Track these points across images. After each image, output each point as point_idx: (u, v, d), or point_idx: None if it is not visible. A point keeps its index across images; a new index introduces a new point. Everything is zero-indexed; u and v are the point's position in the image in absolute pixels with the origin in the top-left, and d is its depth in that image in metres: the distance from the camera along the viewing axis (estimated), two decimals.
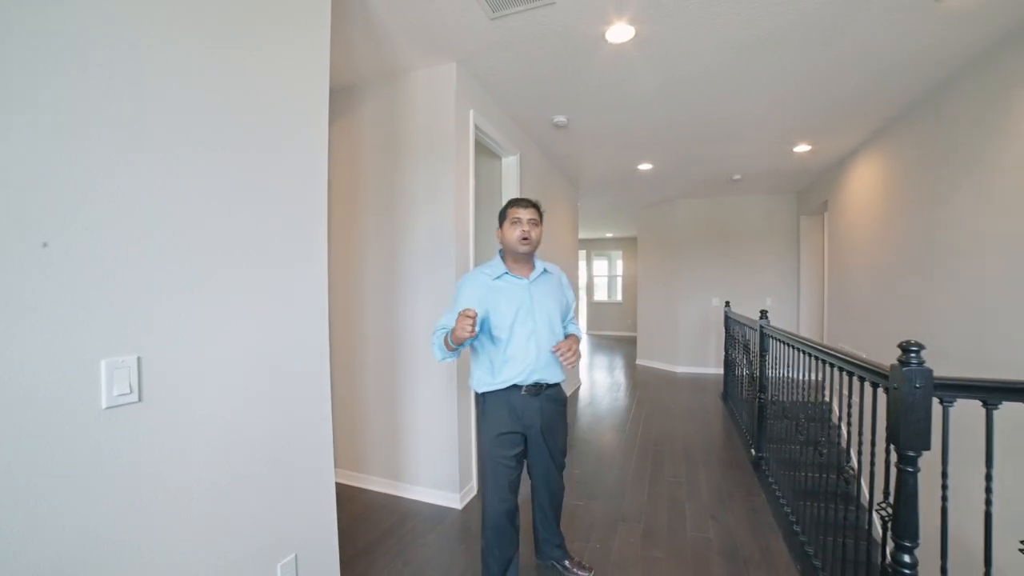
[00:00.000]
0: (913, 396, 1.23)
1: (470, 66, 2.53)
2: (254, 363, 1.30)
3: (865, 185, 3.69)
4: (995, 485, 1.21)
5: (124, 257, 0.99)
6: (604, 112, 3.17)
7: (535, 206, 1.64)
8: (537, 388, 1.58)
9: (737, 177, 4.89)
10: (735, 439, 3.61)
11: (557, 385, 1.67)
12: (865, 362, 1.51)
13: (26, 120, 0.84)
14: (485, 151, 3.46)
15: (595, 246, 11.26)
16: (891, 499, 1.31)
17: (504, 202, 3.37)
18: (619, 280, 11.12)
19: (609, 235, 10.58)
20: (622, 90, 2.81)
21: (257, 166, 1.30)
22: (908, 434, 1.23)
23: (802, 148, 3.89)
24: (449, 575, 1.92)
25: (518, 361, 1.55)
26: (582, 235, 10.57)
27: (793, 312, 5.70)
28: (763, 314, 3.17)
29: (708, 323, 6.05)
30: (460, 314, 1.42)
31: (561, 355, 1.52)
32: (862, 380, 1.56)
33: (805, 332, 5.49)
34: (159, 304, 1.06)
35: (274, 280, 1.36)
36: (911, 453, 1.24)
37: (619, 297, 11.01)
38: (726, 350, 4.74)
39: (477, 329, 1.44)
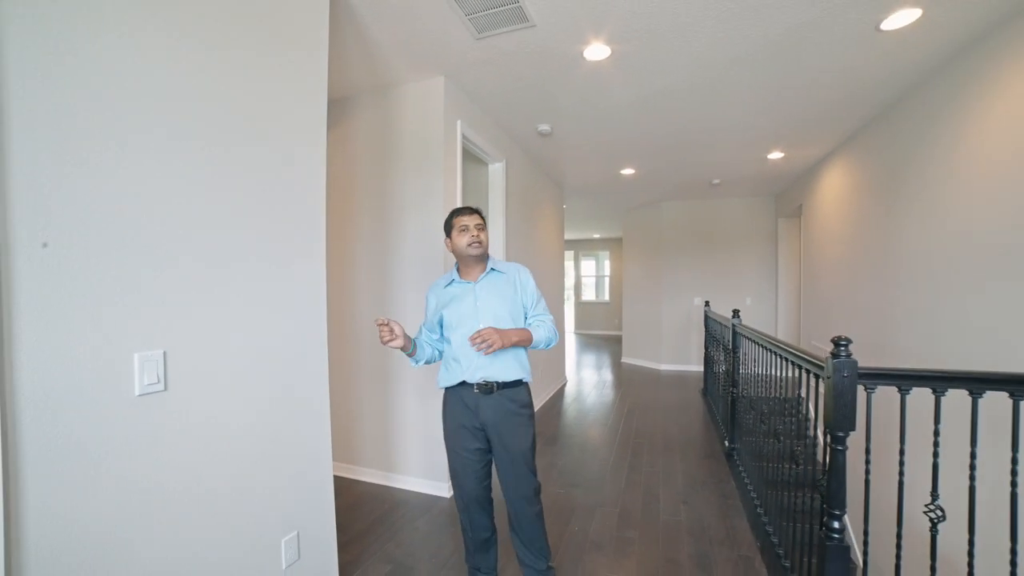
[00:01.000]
0: (842, 384, 1.41)
1: (458, 80, 2.68)
2: (262, 357, 1.45)
3: (834, 191, 3.91)
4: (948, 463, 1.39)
5: (151, 261, 1.14)
6: (586, 122, 3.35)
7: (478, 212, 1.73)
8: (488, 386, 1.61)
9: (717, 181, 5.10)
10: (711, 432, 3.81)
11: (516, 386, 1.65)
12: (809, 356, 1.70)
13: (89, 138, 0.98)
14: (473, 158, 3.62)
15: (583, 247, 11.46)
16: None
17: (490, 208, 3.56)
18: (607, 280, 11.33)
19: (596, 236, 10.78)
20: (602, 102, 2.98)
21: (264, 177, 1.45)
22: (838, 417, 1.41)
23: (776, 155, 4.10)
24: (438, 556, 2.08)
25: (463, 359, 1.63)
26: (570, 236, 10.76)
27: (772, 311, 5.93)
28: (735, 313, 3.36)
29: (691, 322, 6.27)
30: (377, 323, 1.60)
31: (472, 343, 1.51)
32: (808, 372, 1.74)
33: (783, 331, 5.73)
34: (181, 304, 1.21)
35: (279, 282, 1.51)
36: (840, 433, 1.42)
37: (607, 297, 11.22)
38: (706, 348, 4.95)
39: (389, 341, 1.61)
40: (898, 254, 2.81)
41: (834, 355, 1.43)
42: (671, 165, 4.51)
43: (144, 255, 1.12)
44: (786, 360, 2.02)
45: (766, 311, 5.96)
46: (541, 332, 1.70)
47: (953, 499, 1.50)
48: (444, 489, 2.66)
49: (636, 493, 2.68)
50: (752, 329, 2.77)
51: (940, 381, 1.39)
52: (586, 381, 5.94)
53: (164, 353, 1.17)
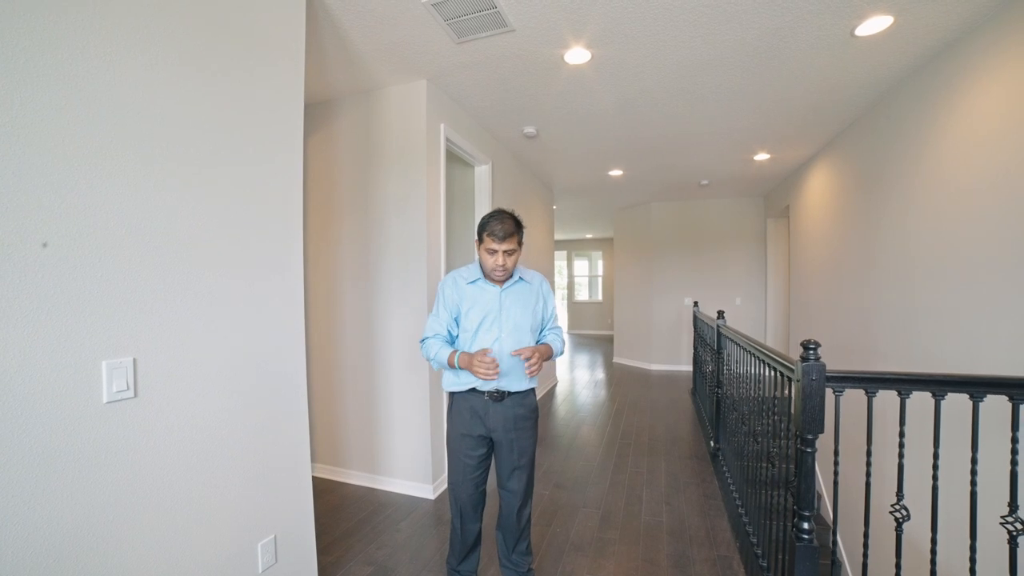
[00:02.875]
0: (810, 387, 1.43)
1: (440, 83, 2.69)
2: (236, 364, 1.45)
3: (819, 192, 3.95)
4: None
5: (121, 268, 1.14)
6: (570, 124, 3.36)
7: (514, 231, 1.56)
8: (500, 394, 1.60)
9: (705, 182, 5.13)
10: (698, 432, 3.83)
11: (525, 393, 1.66)
12: (782, 358, 1.72)
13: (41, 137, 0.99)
14: (459, 160, 3.63)
15: (576, 247, 11.49)
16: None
17: (476, 210, 3.57)
18: (599, 280, 11.37)
19: (589, 236, 10.81)
20: (585, 105, 3.00)
21: (239, 182, 1.45)
22: (806, 419, 1.43)
23: (762, 156, 4.13)
24: (419, 557, 2.09)
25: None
26: (563, 236, 10.79)
27: (761, 312, 5.98)
28: (720, 314, 3.39)
29: (681, 322, 6.30)
30: (480, 359, 1.47)
31: (525, 359, 1.51)
32: (782, 375, 1.76)
33: (772, 331, 5.77)
34: (153, 311, 1.22)
35: (255, 287, 1.51)
36: (809, 436, 1.44)
37: (599, 297, 11.26)
38: (695, 348, 4.98)
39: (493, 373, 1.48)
40: (878, 256, 2.84)
41: (803, 359, 1.45)
42: (658, 166, 4.53)
43: (113, 261, 1.13)
44: (762, 362, 2.04)
45: (756, 311, 6.01)
46: (557, 346, 1.75)
47: (923, 497, 1.52)
48: (428, 491, 2.67)
49: (619, 494, 2.70)
50: (734, 330, 2.80)
51: (904, 384, 1.42)
52: (576, 381, 5.96)
53: (134, 360, 1.18)
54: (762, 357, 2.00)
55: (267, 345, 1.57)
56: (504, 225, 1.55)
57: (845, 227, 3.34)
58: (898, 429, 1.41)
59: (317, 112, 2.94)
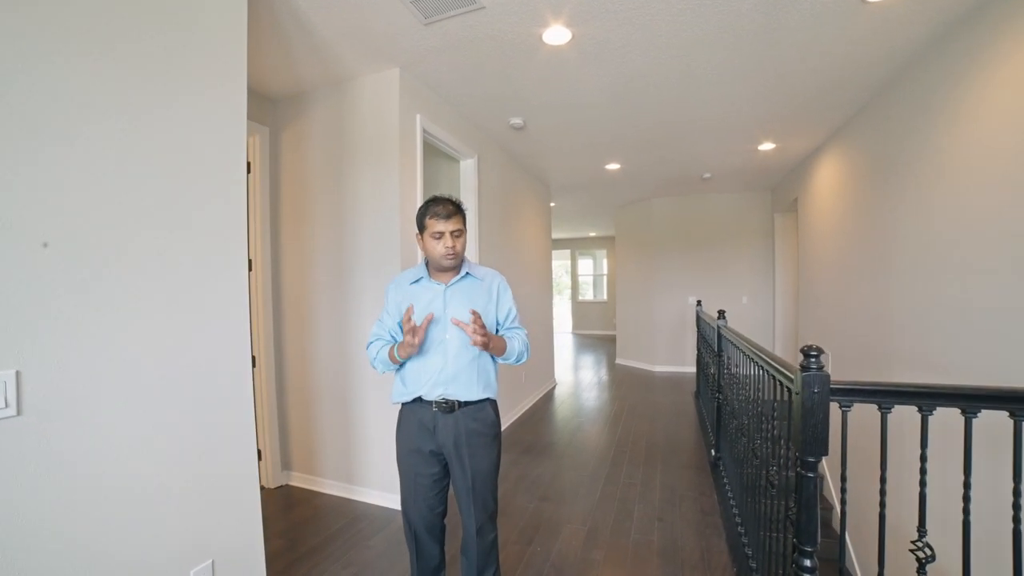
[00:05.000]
0: (812, 401, 1.22)
1: (415, 71, 2.52)
2: (161, 376, 1.30)
3: (829, 184, 3.71)
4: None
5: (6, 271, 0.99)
6: (557, 113, 3.17)
7: (456, 209, 1.46)
8: (448, 405, 1.44)
9: (707, 176, 4.90)
10: (699, 440, 3.62)
11: (479, 404, 1.49)
12: (781, 365, 1.51)
13: None
14: (443, 155, 3.46)
15: (579, 245, 11.28)
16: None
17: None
18: (604, 279, 11.14)
19: (592, 234, 10.59)
20: (571, 92, 2.80)
21: (166, 172, 1.29)
22: (807, 439, 1.23)
23: (767, 146, 3.90)
24: None
25: (422, 372, 1.45)
26: (566, 235, 10.58)
27: (769, 311, 5.72)
28: (720, 314, 3.18)
29: (685, 322, 6.07)
30: (405, 328, 1.36)
31: (465, 326, 1.37)
32: (780, 384, 1.56)
33: (781, 331, 5.52)
34: (42, 316, 1.06)
35: (181, 290, 1.35)
36: (810, 458, 1.24)
37: (604, 296, 11.03)
38: (698, 349, 4.76)
39: (417, 340, 1.37)
40: (895, 251, 2.61)
41: (803, 368, 1.25)
42: (656, 159, 4.32)
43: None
44: (762, 368, 1.84)
45: (763, 310, 5.75)
46: (515, 344, 1.54)
47: (951, 533, 1.31)
48: None
49: (609, 508, 2.51)
50: (734, 331, 2.59)
51: (927, 398, 1.21)
52: (576, 383, 5.77)
53: (17, 373, 1.02)
54: (760, 363, 1.80)
55: (200, 353, 1.41)
56: (445, 206, 1.44)
57: (857, 220, 3.10)
58: (919, 452, 1.20)
59: (289, 106, 2.79)
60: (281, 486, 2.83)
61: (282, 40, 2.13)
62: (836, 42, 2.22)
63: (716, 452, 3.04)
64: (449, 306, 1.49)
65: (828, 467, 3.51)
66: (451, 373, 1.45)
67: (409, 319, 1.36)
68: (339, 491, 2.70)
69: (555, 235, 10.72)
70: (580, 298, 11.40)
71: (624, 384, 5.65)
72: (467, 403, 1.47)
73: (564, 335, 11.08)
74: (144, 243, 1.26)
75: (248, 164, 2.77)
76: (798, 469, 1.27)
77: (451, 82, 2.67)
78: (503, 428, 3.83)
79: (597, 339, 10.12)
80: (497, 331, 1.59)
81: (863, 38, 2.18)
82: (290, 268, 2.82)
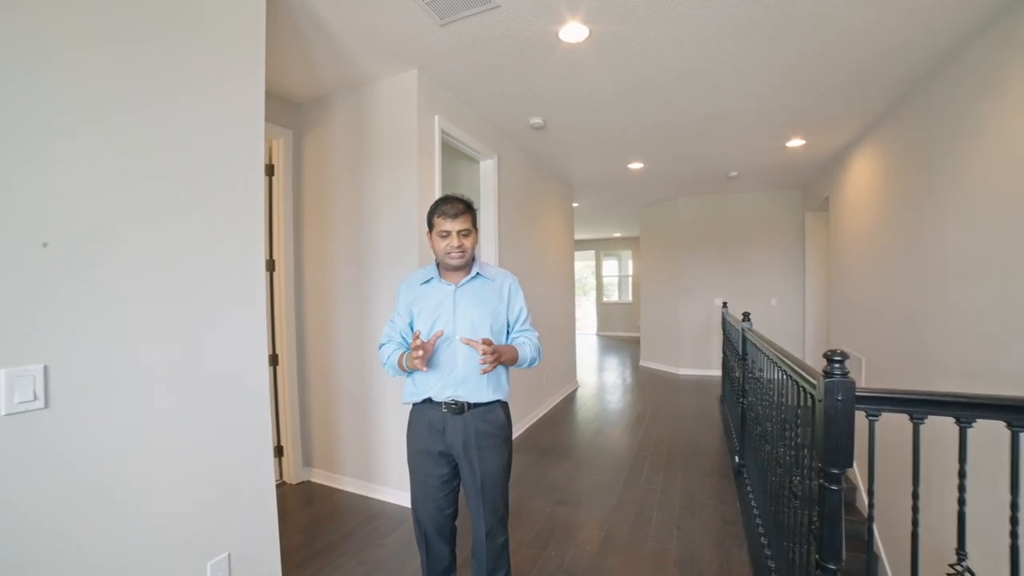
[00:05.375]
0: (835, 409, 1.16)
1: (432, 72, 2.53)
2: (180, 371, 1.35)
3: (863, 181, 3.53)
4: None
5: (30, 270, 1.04)
6: (577, 112, 3.13)
7: (466, 210, 1.45)
8: (458, 406, 1.43)
9: (734, 174, 4.75)
10: (723, 446, 3.51)
11: (489, 406, 1.48)
12: (805, 371, 1.44)
13: None
14: (463, 155, 3.47)
15: (604, 246, 11.14)
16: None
17: (482, 207, 3.40)
18: (629, 280, 10.96)
19: (617, 234, 10.44)
20: (590, 91, 2.76)
21: (187, 178, 1.34)
22: (829, 449, 1.17)
23: (796, 143, 3.75)
24: None
25: (431, 373, 1.44)
26: (590, 235, 10.48)
27: (799, 313, 5.50)
28: (745, 316, 3.07)
29: (711, 324, 5.90)
30: (412, 347, 1.35)
31: (481, 354, 1.33)
32: (803, 390, 1.49)
33: (811, 335, 5.29)
34: (69, 314, 1.11)
35: (203, 292, 1.40)
36: (833, 470, 1.17)
37: (629, 297, 10.86)
38: (724, 352, 4.61)
39: (423, 361, 1.36)
40: (935, 250, 2.45)
41: (826, 373, 1.19)
42: (680, 157, 4.21)
43: (22, 262, 1.03)
44: (783, 372, 1.76)
45: (793, 313, 5.53)
46: (527, 351, 1.52)
47: (998, 557, 1.21)
48: None
49: (626, 514, 2.45)
50: (758, 334, 2.49)
51: (966, 408, 1.12)
52: (598, 386, 5.69)
53: (45, 368, 1.08)
54: (783, 367, 1.72)
55: (220, 351, 1.46)
56: (454, 205, 1.44)
57: (895, 219, 2.94)
58: (957, 467, 1.11)
59: (312, 109, 2.86)
60: (303, 482, 2.89)
61: (301, 42, 2.18)
62: (872, 26, 2.08)
63: (740, 459, 2.93)
64: (459, 306, 1.48)
65: (862, 478, 3.34)
66: (461, 376, 1.44)
67: (417, 338, 1.35)
68: (357, 488, 2.74)
69: (579, 236, 10.62)
70: (605, 299, 11.25)
71: (647, 387, 5.54)
72: (477, 405, 1.46)
73: (589, 336, 10.97)
74: (161, 245, 1.30)
75: (272, 167, 2.86)
76: (820, 480, 1.20)
77: (469, 82, 2.67)
78: (523, 430, 3.83)
79: (621, 341, 9.97)
80: (508, 332, 1.57)
81: (903, 19, 2.02)
82: (312, 269, 2.88)
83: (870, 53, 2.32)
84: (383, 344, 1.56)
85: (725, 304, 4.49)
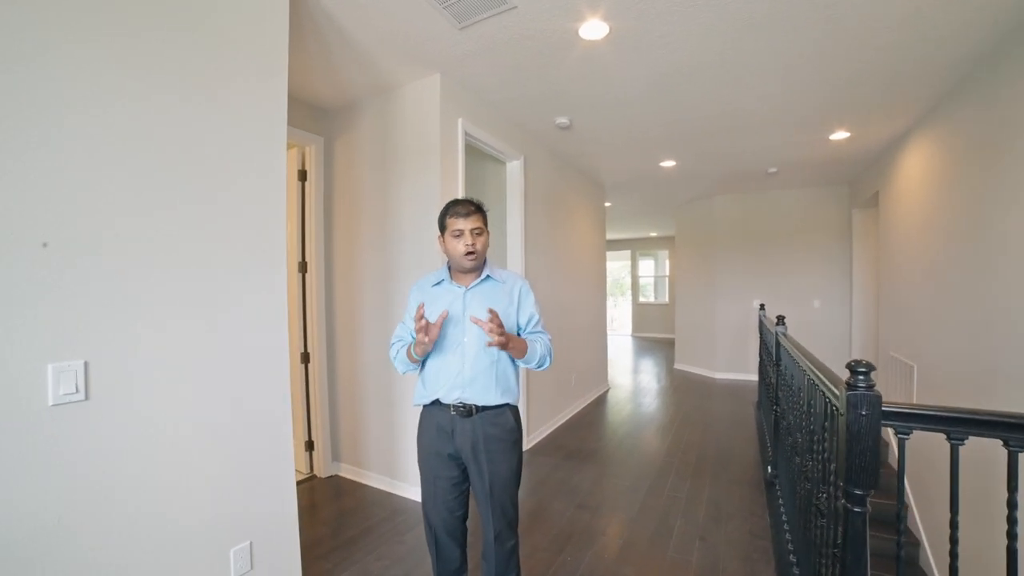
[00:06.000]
0: (858, 425, 1.08)
1: (454, 76, 2.56)
2: (208, 368, 1.43)
3: (917, 174, 3.27)
4: None
5: (74, 270, 1.14)
6: (602, 110, 3.07)
7: (477, 210, 1.48)
8: (466, 409, 1.44)
9: (773, 170, 4.52)
10: (755, 455, 3.35)
11: (498, 409, 1.48)
12: (828, 378, 1.35)
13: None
14: (489, 157, 3.48)
15: (640, 246, 10.90)
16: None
17: (508, 208, 3.40)
18: (665, 281, 10.67)
19: (653, 234, 10.18)
20: (612, 87, 2.71)
21: (215, 187, 1.42)
22: (851, 467, 1.09)
23: (840, 135, 3.52)
24: (412, 574, 1.97)
25: (440, 375, 1.46)
26: (625, 235, 10.28)
27: (845, 316, 5.17)
28: (780, 320, 2.92)
29: (748, 327, 5.65)
30: (417, 327, 1.37)
31: (483, 324, 1.34)
32: (827, 401, 1.40)
33: (859, 340, 4.96)
34: (107, 314, 1.20)
35: (228, 293, 1.48)
36: (857, 491, 1.09)
37: (665, 298, 10.57)
38: (760, 356, 4.41)
39: (430, 338, 1.38)
40: (1002, 249, 2.22)
41: (849, 386, 1.11)
42: (713, 154, 4.05)
43: (66, 264, 1.13)
44: (808, 378, 1.66)
45: (838, 316, 5.21)
46: (538, 347, 1.51)
47: None
48: None
49: (648, 521, 2.39)
50: (791, 338, 2.36)
51: (1014, 430, 1.01)
52: (630, 388, 5.58)
53: (85, 363, 1.17)
54: (811, 375, 1.62)
55: (243, 349, 1.53)
56: (465, 205, 1.47)
57: (954, 216, 2.69)
58: (1006, 496, 1.01)
59: (341, 116, 2.95)
60: (331, 476, 3.00)
61: (326, 50, 2.24)
62: (920, 5, 1.92)
63: (773, 469, 2.79)
64: (468, 309, 1.48)
65: (914, 496, 3.10)
66: (469, 377, 1.44)
67: (421, 316, 1.37)
68: (382, 484, 2.81)
69: (615, 235, 10.45)
70: (640, 300, 11.01)
71: (680, 390, 5.38)
72: (485, 408, 1.46)
73: (624, 337, 10.78)
74: (187, 252, 1.38)
75: (305, 172, 2.98)
76: (842, 501, 1.13)
77: (492, 85, 2.68)
78: (548, 432, 3.81)
79: (656, 342, 9.73)
80: (519, 334, 1.56)
81: None
82: (341, 271, 2.98)
83: (917, 29, 2.09)
84: (392, 343, 1.59)
85: (762, 306, 4.29)
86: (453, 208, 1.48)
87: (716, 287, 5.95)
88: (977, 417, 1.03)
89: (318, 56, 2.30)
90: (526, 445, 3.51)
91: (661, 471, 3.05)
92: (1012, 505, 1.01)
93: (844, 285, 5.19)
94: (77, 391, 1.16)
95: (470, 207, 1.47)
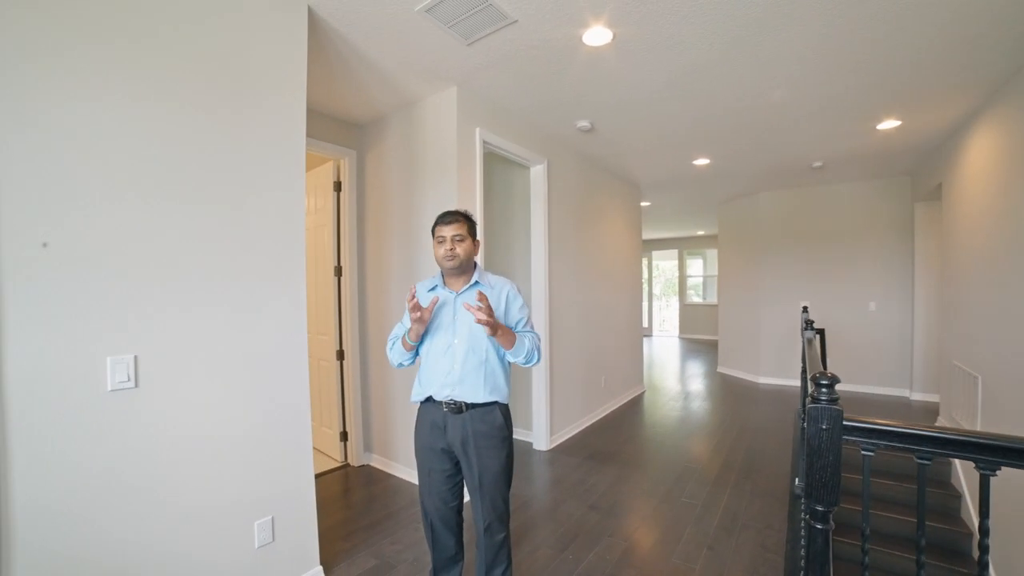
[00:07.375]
0: (818, 439, 1.08)
1: (470, 88, 2.67)
2: (236, 361, 1.65)
3: (985, 163, 2.95)
4: None
5: (127, 280, 1.38)
6: (622, 112, 3.06)
7: (462, 218, 1.60)
8: (456, 406, 1.56)
9: (818, 164, 4.24)
10: (784, 465, 3.20)
11: (488, 407, 1.58)
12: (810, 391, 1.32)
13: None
14: (513, 164, 3.57)
15: (687, 244, 10.52)
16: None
17: (532, 212, 3.48)
18: (714, 281, 10.22)
19: (700, 232, 9.79)
20: (627, 89, 2.70)
21: (238, 207, 1.64)
22: (813, 483, 1.09)
23: (889, 124, 3.25)
24: (423, 559, 2.12)
25: (432, 373, 1.58)
26: (672, 234, 9.98)
27: (906, 320, 4.74)
28: (808, 324, 2.78)
29: (795, 329, 5.32)
30: (410, 307, 1.50)
31: (471, 307, 1.43)
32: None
33: (920, 346, 4.53)
34: (152, 314, 1.44)
35: (252, 296, 1.69)
36: (819, 507, 1.08)
37: (713, 299, 10.13)
38: (803, 361, 4.16)
39: (426, 315, 1.53)
40: None
41: (812, 399, 1.10)
42: (749, 150, 3.88)
43: (120, 275, 1.37)
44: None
45: (897, 320, 4.78)
46: (526, 341, 1.60)
47: None
48: None
49: (656, 526, 2.39)
50: (812, 343, 2.26)
51: (983, 451, 0.96)
52: (667, 391, 5.46)
53: (135, 356, 1.41)
54: (807, 379, 1.57)
55: (269, 348, 1.74)
56: (450, 215, 1.60)
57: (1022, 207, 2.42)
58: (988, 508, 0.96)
59: (371, 130, 3.17)
60: (363, 465, 3.24)
61: (349, 71, 2.43)
62: None
63: (801, 481, 2.67)
64: (459, 312, 1.60)
65: (968, 489, 2.84)
66: (458, 376, 1.55)
67: (413, 296, 1.50)
68: (407, 476, 3.00)
69: (660, 235, 10.17)
70: (690, 300, 10.64)
71: (719, 395, 5.19)
72: (475, 405, 1.56)
73: (670, 339, 10.48)
74: (219, 263, 1.60)
75: (339, 183, 3.23)
76: (804, 516, 1.12)
77: (506, 94, 2.77)
78: (575, 432, 3.86)
79: (702, 344, 9.37)
80: None
81: None
82: (372, 275, 3.20)
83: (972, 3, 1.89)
84: (390, 339, 1.73)
85: (805, 308, 4.05)
86: (440, 218, 1.62)
87: (761, 288, 5.66)
88: (944, 436, 0.99)
89: (344, 78, 2.51)
90: (550, 444, 3.58)
91: (681, 476, 3.01)
92: (984, 531, 0.97)
93: (904, 286, 4.76)
94: (129, 380, 1.39)
95: (452, 216, 1.60)
